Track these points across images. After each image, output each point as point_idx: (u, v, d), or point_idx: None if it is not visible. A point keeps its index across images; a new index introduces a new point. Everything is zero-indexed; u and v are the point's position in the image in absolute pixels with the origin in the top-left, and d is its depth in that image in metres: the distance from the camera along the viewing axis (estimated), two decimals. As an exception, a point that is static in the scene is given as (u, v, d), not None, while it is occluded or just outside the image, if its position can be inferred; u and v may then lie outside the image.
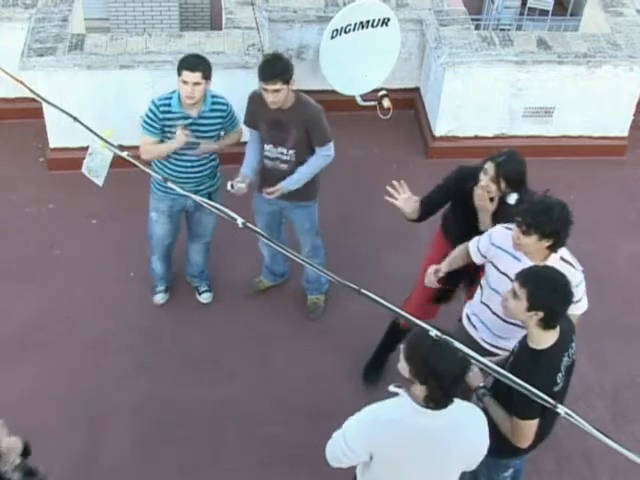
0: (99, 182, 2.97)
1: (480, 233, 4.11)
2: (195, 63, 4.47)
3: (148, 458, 4.57)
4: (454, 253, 4.17)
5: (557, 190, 4.32)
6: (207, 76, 4.51)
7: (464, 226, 4.29)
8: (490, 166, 4.05)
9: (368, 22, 6.09)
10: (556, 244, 3.64)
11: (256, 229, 2.60)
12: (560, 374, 3.37)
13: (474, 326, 4.09)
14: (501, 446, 3.39)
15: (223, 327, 5.27)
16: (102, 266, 5.56)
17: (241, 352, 5.13)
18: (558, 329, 3.35)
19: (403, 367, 3.03)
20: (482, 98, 6.28)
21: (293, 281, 5.52)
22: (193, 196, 2.47)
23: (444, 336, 2.75)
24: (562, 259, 3.72)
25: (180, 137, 4.57)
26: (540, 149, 6.43)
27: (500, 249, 3.82)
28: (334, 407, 4.82)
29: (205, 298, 5.42)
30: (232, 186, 4.66)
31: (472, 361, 2.81)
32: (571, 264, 3.74)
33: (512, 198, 4.07)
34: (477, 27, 6.75)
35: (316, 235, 5.13)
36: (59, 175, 6.10)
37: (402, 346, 3.03)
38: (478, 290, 4.09)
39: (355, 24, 6.10)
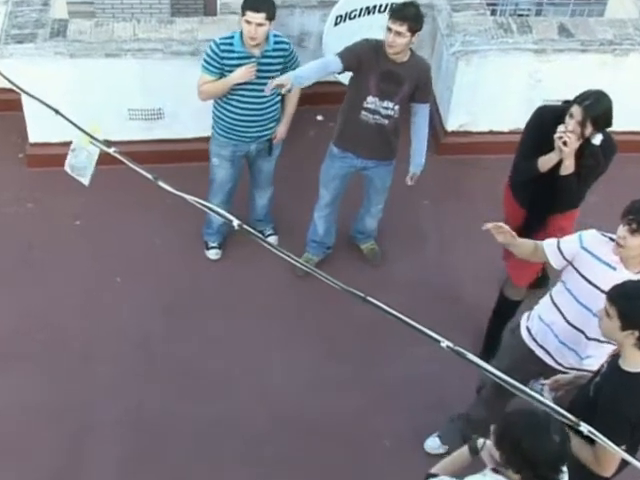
0: (85, 181, 2.97)
1: (551, 192, 4.20)
2: (259, 2, 4.76)
3: (135, 477, 4.59)
4: (522, 244, 4.04)
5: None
6: (271, 17, 4.79)
7: (542, 177, 4.36)
8: (577, 110, 4.12)
9: (374, 7, 6.11)
10: None
11: (253, 231, 2.62)
12: None
13: (535, 340, 4.06)
14: (576, 474, 3.23)
15: (216, 336, 5.30)
16: (86, 271, 5.59)
17: (235, 362, 5.16)
18: None
19: (492, 451, 2.92)
20: (498, 90, 6.30)
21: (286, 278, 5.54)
22: (186, 196, 2.48)
23: (456, 348, 2.74)
24: None
25: (243, 72, 4.85)
26: (561, 145, 6.44)
27: (592, 255, 3.76)
28: (335, 421, 4.86)
29: (272, 240, 5.61)
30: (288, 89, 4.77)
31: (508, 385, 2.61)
32: None
33: (597, 139, 4.19)
34: (493, 12, 6.77)
35: (388, 192, 5.51)
36: (39, 172, 6.12)
37: (492, 428, 2.93)
38: (546, 299, 4.06)
39: (361, 9, 6.12)
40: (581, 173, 4.33)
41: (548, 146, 4.28)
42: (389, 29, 4.73)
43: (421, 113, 5.11)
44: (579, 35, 6.24)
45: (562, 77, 6.28)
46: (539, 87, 6.32)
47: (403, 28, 4.70)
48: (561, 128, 4.17)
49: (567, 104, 4.33)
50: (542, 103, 6.29)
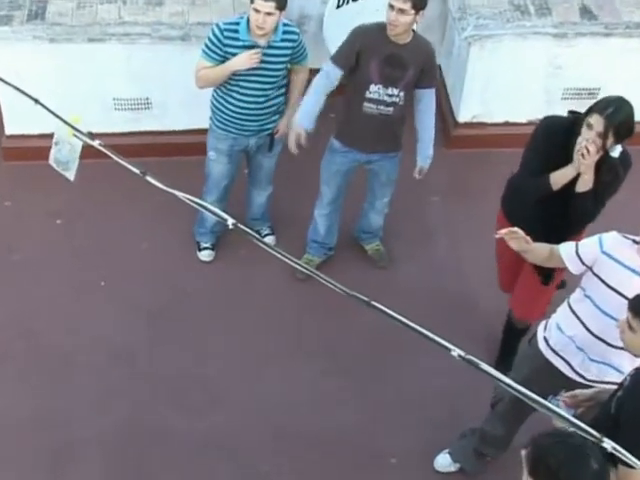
0: (70, 176, 2.97)
1: (562, 213, 4.14)
2: None
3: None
4: (536, 249, 3.99)
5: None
6: (281, 6, 4.79)
7: (548, 199, 4.25)
8: (597, 120, 3.98)
9: (380, -12, 6.10)
10: None
11: (249, 231, 2.62)
12: None
13: (554, 350, 4.02)
14: None
15: (210, 343, 5.30)
16: (68, 274, 5.59)
17: (231, 370, 5.17)
18: None
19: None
20: (514, 78, 6.29)
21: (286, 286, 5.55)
22: (177, 192, 2.48)
23: (468, 357, 2.73)
24: None
25: (245, 59, 4.85)
26: (582, 137, 6.44)
27: (614, 260, 3.71)
28: (337, 436, 4.86)
29: (269, 241, 5.62)
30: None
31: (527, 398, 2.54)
32: None
33: (616, 151, 4.09)
34: (508, -7, 6.76)
35: (394, 186, 5.52)
36: (16, 167, 6.13)
37: (523, 453, 2.83)
38: (564, 307, 4.02)
39: (365, -10, 6.12)
40: (598, 190, 4.21)
41: (558, 161, 4.18)
42: (391, 6, 4.73)
43: (427, 99, 5.10)
44: (603, 17, 6.23)
45: (584, 64, 6.28)
46: (559, 75, 6.31)
47: (407, 5, 4.69)
48: (584, 137, 4.03)
49: (575, 114, 4.25)
50: (562, 91, 6.36)
